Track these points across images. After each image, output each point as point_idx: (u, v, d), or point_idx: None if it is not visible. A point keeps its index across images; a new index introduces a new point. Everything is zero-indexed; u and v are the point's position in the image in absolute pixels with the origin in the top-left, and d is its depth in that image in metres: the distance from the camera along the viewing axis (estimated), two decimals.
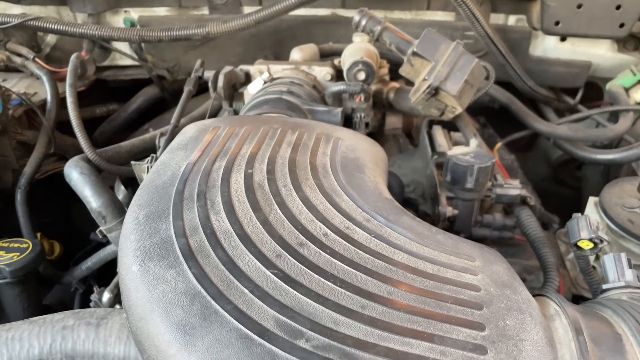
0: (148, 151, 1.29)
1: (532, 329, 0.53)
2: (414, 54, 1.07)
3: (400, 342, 0.50)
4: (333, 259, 0.59)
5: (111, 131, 1.87)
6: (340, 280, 0.56)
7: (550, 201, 1.49)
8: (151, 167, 1.03)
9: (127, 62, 1.76)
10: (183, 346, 0.49)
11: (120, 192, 1.36)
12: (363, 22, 1.14)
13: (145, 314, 0.54)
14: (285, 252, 0.59)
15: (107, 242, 1.29)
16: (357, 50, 1.27)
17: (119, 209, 1.14)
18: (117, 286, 1.14)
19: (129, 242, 0.62)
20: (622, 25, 1.45)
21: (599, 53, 1.61)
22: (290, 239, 0.61)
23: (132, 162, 1.08)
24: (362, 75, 1.21)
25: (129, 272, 0.59)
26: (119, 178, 1.38)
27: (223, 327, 0.50)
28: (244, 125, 0.86)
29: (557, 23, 1.47)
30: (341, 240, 0.62)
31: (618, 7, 1.42)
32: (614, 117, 1.61)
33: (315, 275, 0.56)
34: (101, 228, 1.13)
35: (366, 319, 0.52)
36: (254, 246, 0.60)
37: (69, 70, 1.37)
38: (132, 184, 1.37)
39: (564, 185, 1.98)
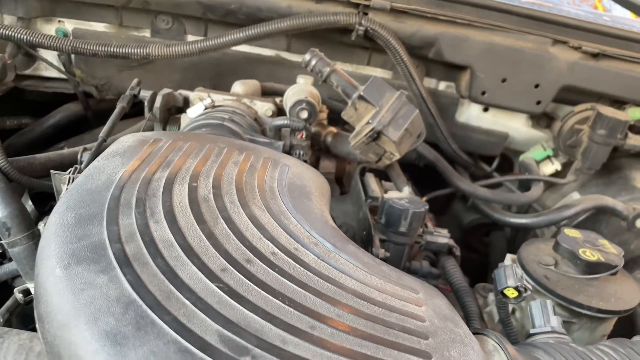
0: (65, 167, 1.19)
1: None
2: (360, 97, 1.10)
3: None
4: (282, 278, 0.56)
5: (20, 145, 1.71)
6: (289, 299, 0.53)
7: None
8: (74, 177, 0.95)
9: (52, 74, 1.65)
10: (112, 357, 0.44)
11: (28, 207, 1.25)
12: (313, 62, 1.17)
13: (68, 320, 0.47)
14: (231, 267, 0.55)
15: (1, 262, 1.16)
16: (301, 90, 1.29)
17: (27, 223, 1.03)
18: (8, 310, 1.02)
19: (54, 244, 0.55)
20: (538, 103, 1.60)
21: (515, 126, 1.76)
22: (236, 254, 0.58)
23: (52, 172, 0.99)
24: (304, 114, 1.22)
25: (51, 276, 0.52)
26: (27, 192, 1.26)
27: (160, 339, 0.45)
28: (188, 140, 0.82)
29: (483, 93, 1.59)
30: (290, 260, 0.59)
31: (537, 86, 1.58)
32: (523, 186, 1.76)
33: (262, 292, 0.53)
34: (2, 241, 1.01)
35: (315, 340, 0.49)
36: (198, 258, 0.55)
37: None
38: (40, 201, 1.25)
39: (471, 250, 2.09)
